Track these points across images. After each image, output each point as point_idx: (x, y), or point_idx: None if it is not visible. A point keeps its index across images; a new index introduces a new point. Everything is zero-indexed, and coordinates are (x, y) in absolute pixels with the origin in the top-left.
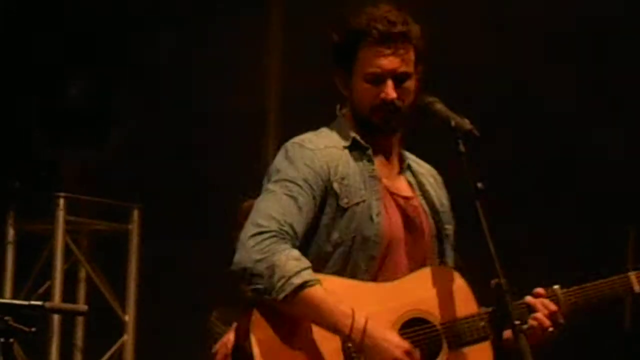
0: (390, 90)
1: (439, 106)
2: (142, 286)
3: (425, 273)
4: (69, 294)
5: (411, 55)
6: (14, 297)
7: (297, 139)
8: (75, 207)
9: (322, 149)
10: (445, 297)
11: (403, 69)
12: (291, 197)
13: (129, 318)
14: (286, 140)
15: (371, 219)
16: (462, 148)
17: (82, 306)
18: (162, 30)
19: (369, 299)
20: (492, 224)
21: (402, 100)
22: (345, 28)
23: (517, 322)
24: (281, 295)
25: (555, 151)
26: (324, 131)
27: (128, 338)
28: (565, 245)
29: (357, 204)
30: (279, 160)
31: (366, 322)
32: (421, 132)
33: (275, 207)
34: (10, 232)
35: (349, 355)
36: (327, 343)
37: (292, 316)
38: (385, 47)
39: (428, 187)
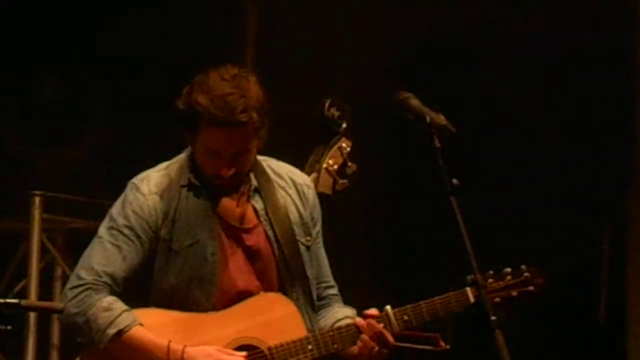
0: (225, 171)
1: (414, 102)
2: None
3: (255, 301)
4: (45, 292)
5: (249, 133)
6: None
7: (138, 178)
8: (51, 205)
9: (154, 193)
10: (275, 323)
11: (239, 148)
12: (116, 245)
13: None
14: None
15: (206, 258)
16: (436, 144)
17: (59, 304)
18: (132, 26)
19: (198, 329)
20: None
21: (241, 170)
22: (189, 102)
23: (493, 318)
24: (101, 345)
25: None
26: (168, 168)
27: None
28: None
29: (191, 245)
30: (116, 205)
31: (183, 350)
32: None
33: (98, 256)
34: None
35: None
36: None
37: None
38: (222, 131)
39: (285, 204)
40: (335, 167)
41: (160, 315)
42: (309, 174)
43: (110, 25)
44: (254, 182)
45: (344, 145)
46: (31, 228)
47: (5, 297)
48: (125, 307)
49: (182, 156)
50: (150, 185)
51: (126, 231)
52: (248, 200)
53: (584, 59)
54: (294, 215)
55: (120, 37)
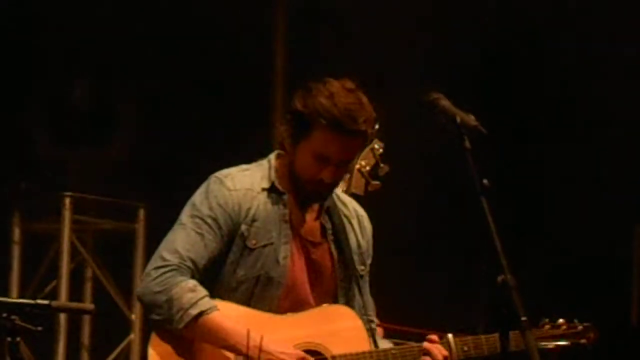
0: (329, 176)
1: (444, 102)
2: None
3: (324, 310)
4: (75, 293)
5: (359, 144)
6: (20, 297)
7: (221, 173)
8: (81, 206)
9: (239, 190)
10: (340, 334)
11: (348, 156)
12: (199, 233)
13: (135, 317)
14: None
15: (277, 261)
16: (467, 144)
17: (88, 305)
18: (161, 29)
19: (268, 327)
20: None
21: (337, 180)
22: (311, 103)
23: (524, 319)
24: (181, 325)
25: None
26: (250, 170)
27: (134, 337)
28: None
29: (265, 245)
30: (198, 194)
31: (261, 339)
32: None
33: (182, 241)
34: (16, 232)
35: None
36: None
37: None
38: (339, 138)
39: (347, 231)
40: (368, 168)
41: (232, 308)
42: None
43: (138, 28)
44: (328, 202)
45: (376, 146)
46: (62, 229)
47: (35, 298)
48: (207, 292)
49: (262, 162)
50: (234, 181)
51: (209, 221)
52: (318, 218)
53: None
54: (353, 243)
55: (150, 40)
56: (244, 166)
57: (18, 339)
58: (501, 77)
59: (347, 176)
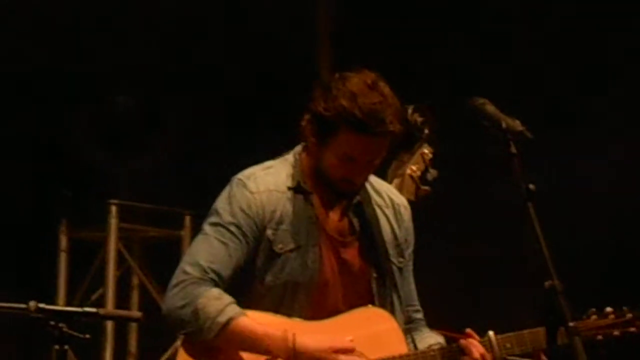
0: (359, 176)
1: (490, 108)
2: None
3: (357, 313)
4: (121, 301)
5: (388, 142)
6: (67, 304)
7: (244, 174)
8: (127, 214)
9: (262, 192)
10: (377, 337)
11: (376, 155)
12: (222, 242)
13: None
14: None
15: (306, 265)
16: (513, 150)
17: (136, 312)
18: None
19: (298, 334)
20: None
21: (366, 177)
22: (333, 106)
23: (571, 325)
24: (211, 335)
25: None
26: (274, 167)
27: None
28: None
29: (292, 250)
30: (221, 200)
31: (294, 338)
32: None
33: (205, 252)
34: (63, 240)
35: None
36: None
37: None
38: (365, 138)
39: (380, 223)
40: (418, 173)
41: (262, 316)
42: (392, 179)
43: (184, 37)
44: (357, 197)
45: (425, 151)
46: (108, 237)
47: (82, 305)
48: (232, 299)
49: (287, 157)
50: (257, 183)
51: (233, 228)
52: (345, 215)
53: None
54: (388, 235)
55: (197, 50)
56: (268, 163)
57: (66, 346)
58: None
59: (398, 181)
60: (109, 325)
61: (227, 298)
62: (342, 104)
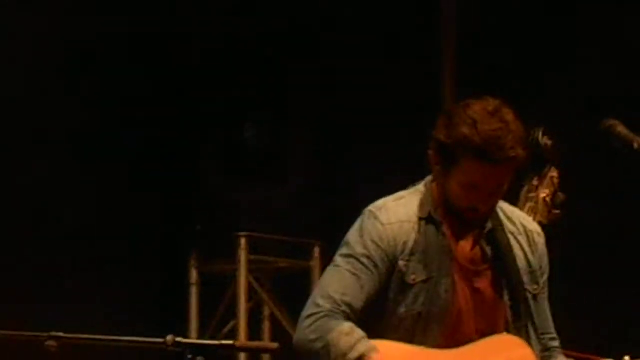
0: (483, 204)
1: (621, 129)
2: None
3: (490, 341)
4: (253, 333)
5: (512, 168)
6: (199, 337)
7: (375, 206)
8: (257, 245)
9: (393, 223)
10: None
11: (500, 182)
12: (354, 274)
13: None
14: None
15: (439, 295)
16: None
17: (272, 344)
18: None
19: None
20: None
21: (495, 204)
22: (453, 134)
23: None
24: None
25: None
26: (405, 198)
27: None
28: None
29: (424, 281)
30: (353, 232)
31: None
32: None
33: (337, 285)
34: (194, 274)
35: None
36: None
37: None
38: (487, 167)
39: (514, 250)
40: (550, 197)
41: (394, 347)
42: (525, 204)
43: (308, 64)
44: (489, 224)
45: (554, 174)
46: (238, 269)
47: (214, 338)
48: (363, 333)
49: (419, 187)
50: (389, 214)
51: (365, 260)
52: (477, 243)
53: None
54: (522, 263)
55: (320, 76)
56: (400, 193)
57: None
58: None
59: (532, 205)
60: (242, 356)
61: (359, 333)
62: (462, 132)
